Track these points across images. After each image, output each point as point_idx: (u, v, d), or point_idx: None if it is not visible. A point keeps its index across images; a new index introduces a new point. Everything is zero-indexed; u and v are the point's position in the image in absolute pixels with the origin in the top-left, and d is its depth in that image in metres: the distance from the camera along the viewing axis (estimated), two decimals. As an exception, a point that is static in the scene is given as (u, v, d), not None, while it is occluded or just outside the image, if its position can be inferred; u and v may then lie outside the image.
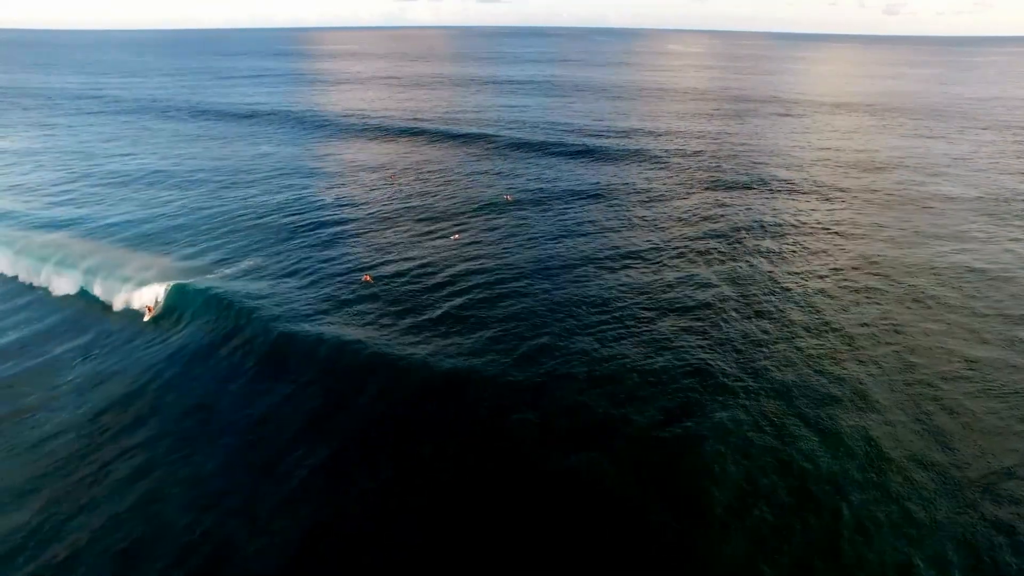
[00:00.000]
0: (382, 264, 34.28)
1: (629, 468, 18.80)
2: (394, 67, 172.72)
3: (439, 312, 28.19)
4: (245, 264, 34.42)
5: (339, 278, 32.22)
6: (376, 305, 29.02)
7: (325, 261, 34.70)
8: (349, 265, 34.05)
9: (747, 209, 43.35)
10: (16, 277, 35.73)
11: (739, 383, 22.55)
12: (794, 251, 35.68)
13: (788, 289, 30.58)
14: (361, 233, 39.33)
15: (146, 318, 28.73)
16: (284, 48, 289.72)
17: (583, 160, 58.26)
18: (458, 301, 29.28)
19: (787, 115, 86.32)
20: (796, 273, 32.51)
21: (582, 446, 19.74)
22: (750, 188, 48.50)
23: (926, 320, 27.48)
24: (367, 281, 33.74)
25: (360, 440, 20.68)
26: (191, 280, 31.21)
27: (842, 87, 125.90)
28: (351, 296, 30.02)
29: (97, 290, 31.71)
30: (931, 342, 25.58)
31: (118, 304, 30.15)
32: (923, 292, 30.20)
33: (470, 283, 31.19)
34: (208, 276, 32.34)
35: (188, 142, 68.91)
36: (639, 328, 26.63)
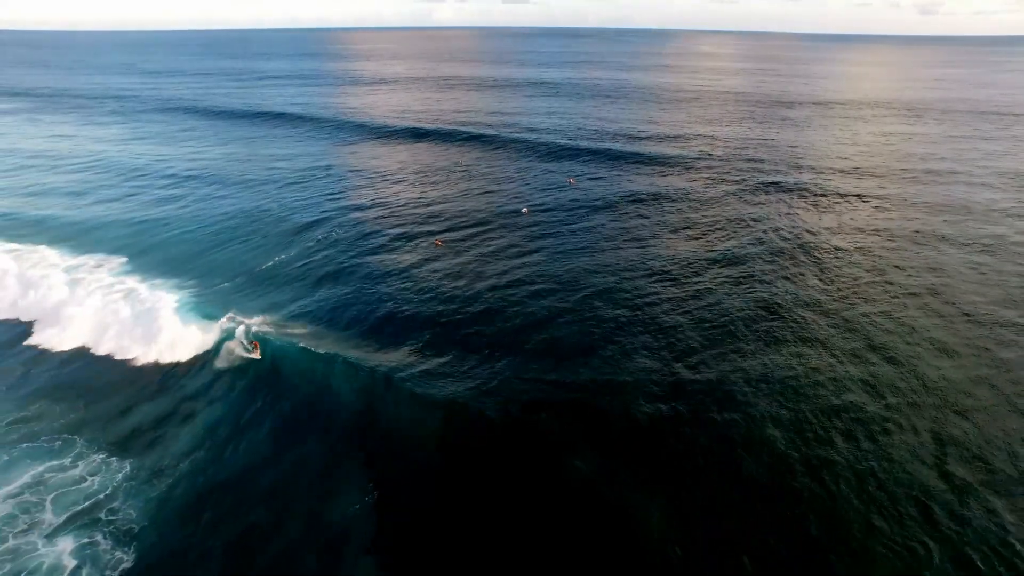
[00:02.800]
0: (448, 236, 35.26)
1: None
2: (435, 67, 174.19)
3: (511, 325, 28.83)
4: (315, 288, 32.64)
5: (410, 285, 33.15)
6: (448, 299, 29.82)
7: (396, 259, 35.59)
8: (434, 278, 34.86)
9: (813, 216, 43.14)
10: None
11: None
12: (853, 259, 35.48)
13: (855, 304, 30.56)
14: (431, 227, 40.16)
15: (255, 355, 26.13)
16: (321, 49, 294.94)
17: (633, 164, 58.35)
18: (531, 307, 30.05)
19: (859, 118, 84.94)
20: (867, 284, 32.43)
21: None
22: (817, 195, 48.15)
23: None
24: (438, 245, 36.27)
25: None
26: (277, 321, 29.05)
27: (900, 89, 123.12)
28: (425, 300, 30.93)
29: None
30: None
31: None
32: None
33: (536, 285, 31.94)
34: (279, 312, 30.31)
35: (256, 144, 71.09)
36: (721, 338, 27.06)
